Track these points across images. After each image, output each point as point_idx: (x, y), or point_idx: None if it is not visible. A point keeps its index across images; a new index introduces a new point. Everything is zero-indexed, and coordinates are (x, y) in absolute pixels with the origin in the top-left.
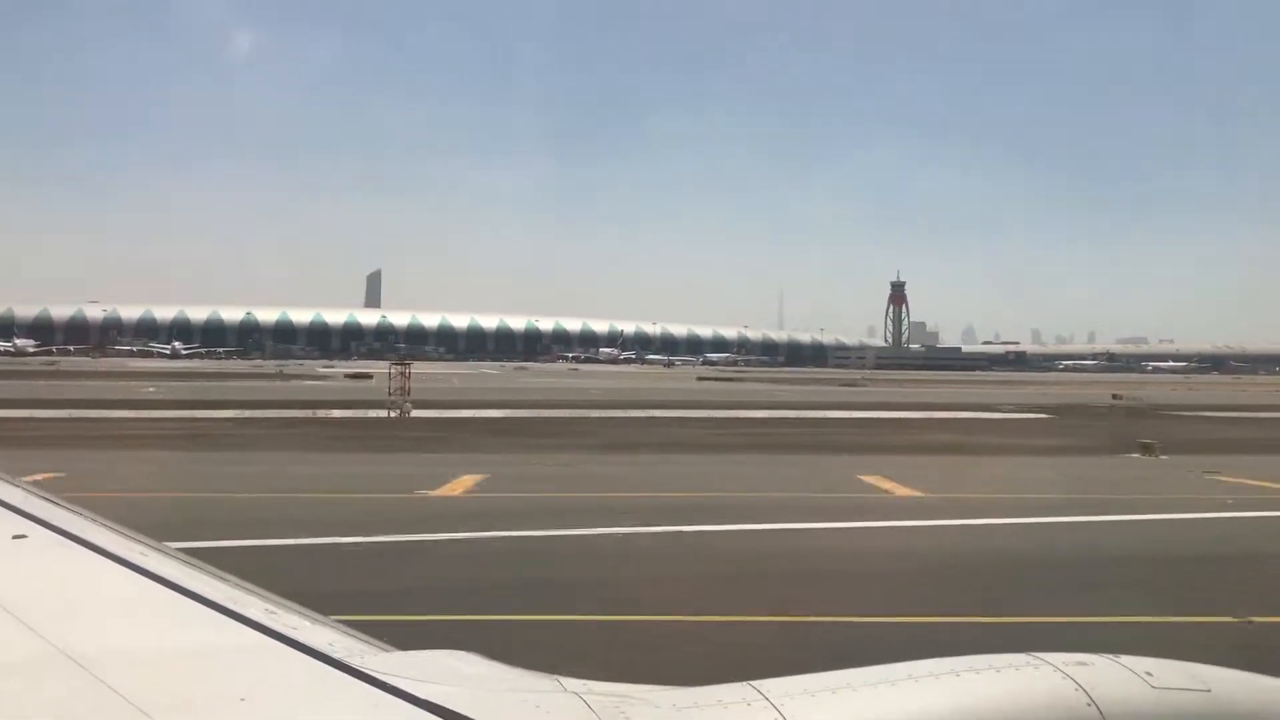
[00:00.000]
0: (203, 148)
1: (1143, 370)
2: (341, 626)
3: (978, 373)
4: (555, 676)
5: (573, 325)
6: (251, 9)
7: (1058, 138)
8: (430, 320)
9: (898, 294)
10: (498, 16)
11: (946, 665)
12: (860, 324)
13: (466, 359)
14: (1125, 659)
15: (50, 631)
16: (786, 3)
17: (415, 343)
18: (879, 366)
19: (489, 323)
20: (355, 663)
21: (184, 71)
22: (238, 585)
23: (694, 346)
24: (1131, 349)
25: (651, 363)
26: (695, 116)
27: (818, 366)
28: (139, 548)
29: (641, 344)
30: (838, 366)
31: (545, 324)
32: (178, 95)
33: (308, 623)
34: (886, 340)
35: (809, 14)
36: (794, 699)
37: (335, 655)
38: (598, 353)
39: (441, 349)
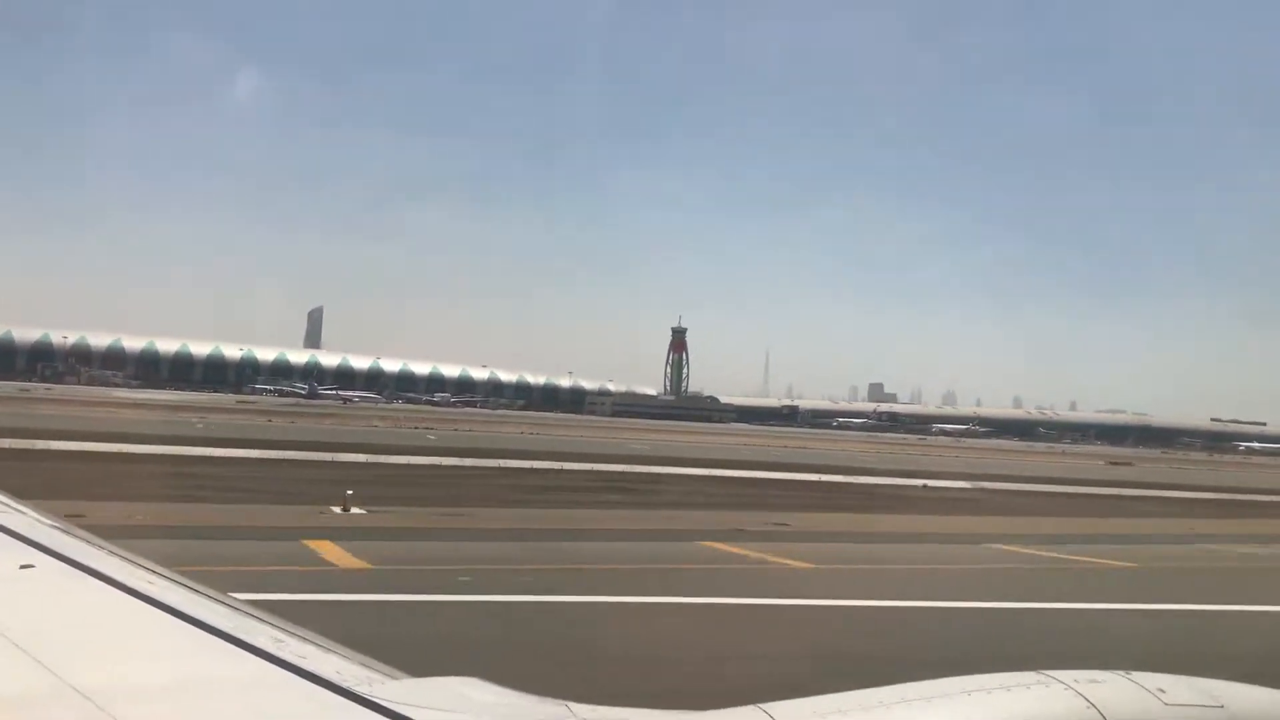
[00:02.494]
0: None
1: (928, 432)
2: (351, 654)
3: (684, 423)
4: (565, 703)
5: (298, 358)
6: (196, 41)
7: (1052, 206)
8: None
9: (678, 340)
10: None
11: (957, 685)
12: (843, 385)
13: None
14: (1137, 675)
15: (56, 663)
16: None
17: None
18: (615, 414)
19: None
20: (364, 691)
21: (125, 100)
22: (246, 613)
23: (433, 384)
24: (917, 409)
25: (325, 396)
26: (652, 172)
27: (569, 411)
28: (146, 575)
29: (371, 380)
30: (590, 412)
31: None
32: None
33: (316, 650)
34: (665, 388)
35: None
36: None
37: (343, 684)
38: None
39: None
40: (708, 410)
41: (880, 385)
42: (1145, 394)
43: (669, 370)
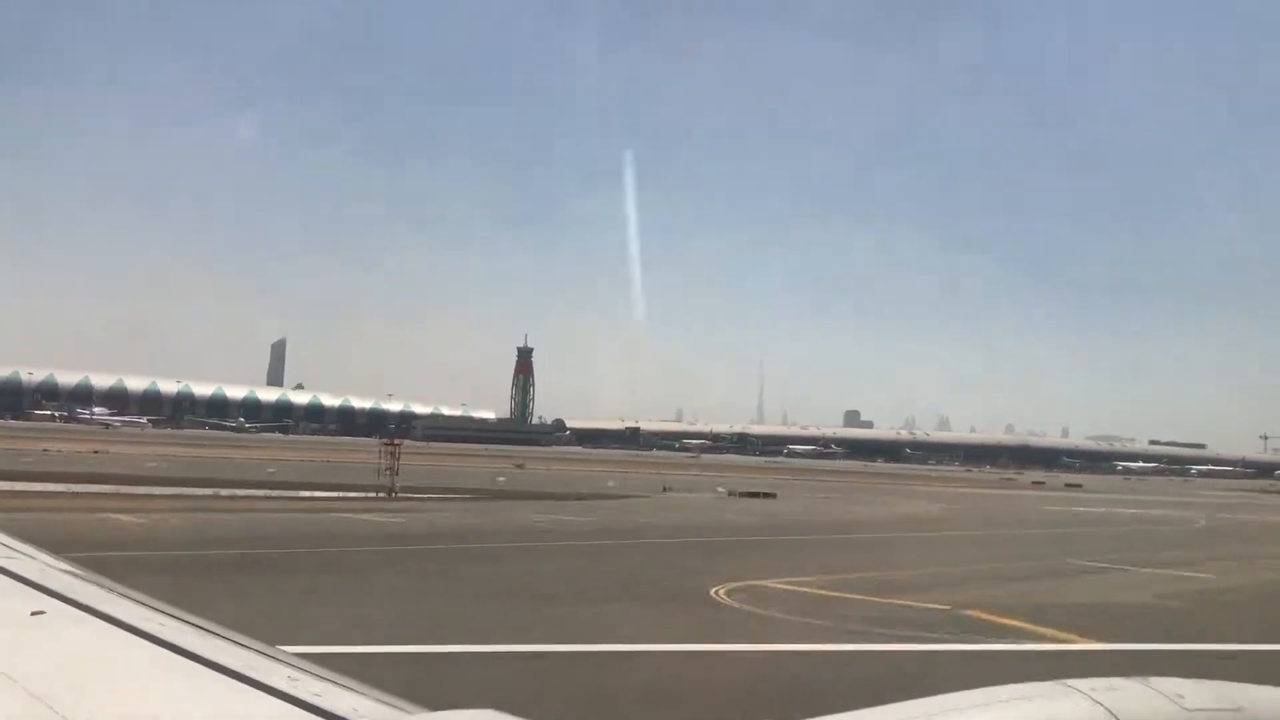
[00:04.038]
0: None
1: (779, 453)
2: (367, 690)
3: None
4: None
5: (102, 382)
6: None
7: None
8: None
9: (524, 362)
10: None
11: (974, 699)
12: (834, 409)
13: None
14: (1155, 681)
15: (71, 709)
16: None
17: None
18: (427, 438)
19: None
20: None
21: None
22: (259, 651)
23: (248, 409)
24: (773, 430)
25: (82, 420)
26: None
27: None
28: (158, 618)
29: (178, 405)
30: (407, 437)
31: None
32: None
33: (332, 688)
34: (511, 410)
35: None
36: None
37: None
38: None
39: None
40: (532, 433)
41: (856, 413)
42: (1140, 419)
43: (514, 392)
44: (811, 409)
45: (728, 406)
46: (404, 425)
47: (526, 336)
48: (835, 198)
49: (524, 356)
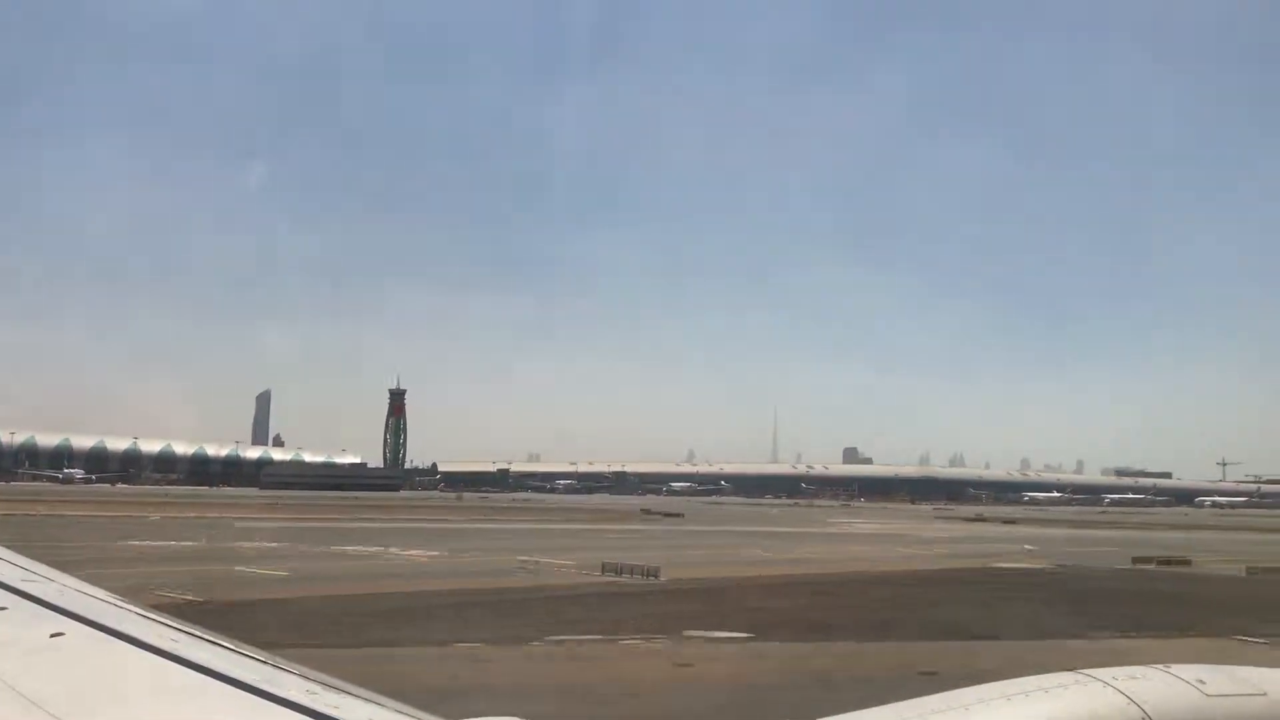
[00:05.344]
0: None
1: (659, 492)
2: (385, 701)
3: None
4: None
5: None
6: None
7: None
8: None
9: (397, 404)
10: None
11: (995, 690)
12: (834, 449)
13: None
14: (1176, 668)
15: None
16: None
17: None
18: (266, 486)
19: None
20: None
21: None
22: (277, 666)
23: (94, 460)
24: (656, 469)
25: None
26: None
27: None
28: (174, 635)
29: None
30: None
31: None
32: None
33: (350, 700)
34: (385, 456)
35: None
36: None
37: None
38: None
39: None
40: (388, 477)
41: (854, 449)
42: (1159, 450)
43: (386, 436)
44: (823, 447)
45: (737, 446)
46: (259, 472)
47: (398, 378)
48: (836, 238)
49: (396, 398)
